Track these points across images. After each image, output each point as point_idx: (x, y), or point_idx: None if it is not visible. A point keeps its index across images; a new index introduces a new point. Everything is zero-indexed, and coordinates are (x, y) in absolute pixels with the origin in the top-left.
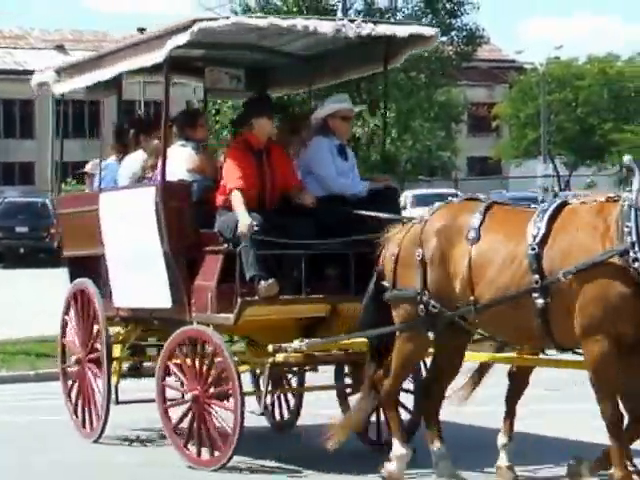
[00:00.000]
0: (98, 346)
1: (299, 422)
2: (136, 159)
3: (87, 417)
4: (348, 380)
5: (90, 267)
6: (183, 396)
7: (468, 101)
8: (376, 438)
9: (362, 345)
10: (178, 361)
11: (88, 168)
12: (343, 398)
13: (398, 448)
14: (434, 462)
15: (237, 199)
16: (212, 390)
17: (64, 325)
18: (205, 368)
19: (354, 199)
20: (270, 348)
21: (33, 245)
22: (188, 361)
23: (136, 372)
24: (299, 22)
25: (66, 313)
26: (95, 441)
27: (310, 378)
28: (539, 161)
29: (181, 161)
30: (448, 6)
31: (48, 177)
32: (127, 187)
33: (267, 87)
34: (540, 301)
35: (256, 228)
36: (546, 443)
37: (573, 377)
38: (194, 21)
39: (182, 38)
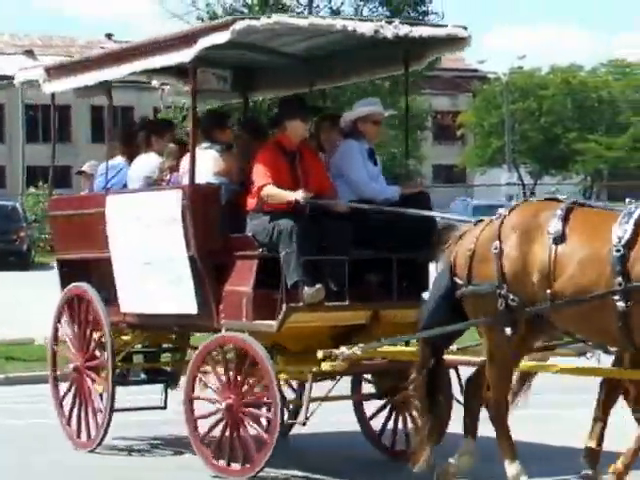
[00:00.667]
0: (97, 353)
1: (315, 430)
2: (149, 161)
3: (84, 426)
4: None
5: (88, 271)
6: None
7: (432, 109)
8: (390, 446)
9: (409, 354)
10: (208, 369)
11: (86, 168)
12: (359, 407)
13: (511, 469)
14: (458, 453)
15: (273, 189)
16: (248, 399)
17: (55, 331)
18: (241, 376)
19: (385, 204)
20: (320, 354)
21: (3, 248)
22: (220, 369)
23: (124, 380)
24: (338, 22)
25: (59, 318)
26: (91, 450)
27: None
28: (504, 170)
29: (207, 164)
30: (412, 15)
31: (19, 181)
32: (145, 189)
33: (258, 88)
34: (621, 304)
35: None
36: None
37: None
38: (234, 20)
39: (221, 37)
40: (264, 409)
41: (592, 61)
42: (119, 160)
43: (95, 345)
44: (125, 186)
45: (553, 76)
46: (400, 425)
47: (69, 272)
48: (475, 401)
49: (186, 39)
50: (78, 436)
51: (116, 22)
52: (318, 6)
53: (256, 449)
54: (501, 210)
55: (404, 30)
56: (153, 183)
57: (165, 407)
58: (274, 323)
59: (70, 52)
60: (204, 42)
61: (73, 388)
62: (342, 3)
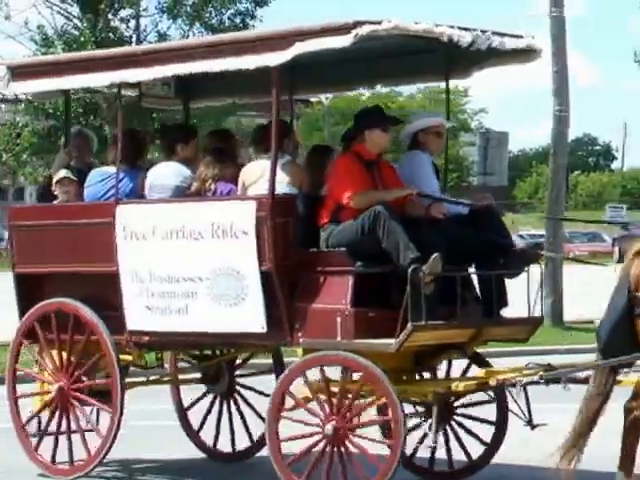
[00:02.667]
0: (85, 374)
1: None
2: (178, 170)
3: (66, 452)
4: None
5: (68, 286)
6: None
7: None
8: (428, 465)
9: None
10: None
11: (66, 174)
12: None
13: None
14: None
15: (368, 194)
16: (355, 421)
17: (17, 351)
18: (347, 397)
19: (455, 218)
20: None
21: None
22: (316, 390)
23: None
24: (445, 30)
25: (26, 336)
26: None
27: None
28: None
29: (279, 174)
30: None
31: None
32: (187, 200)
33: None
34: None
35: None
36: None
37: None
38: (356, 23)
39: (339, 41)
40: (374, 431)
41: (411, 88)
42: (110, 168)
43: (90, 365)
44: (132, 195)
45: (373, 101)
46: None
47: (35, 287)
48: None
49: (282, 41)
50: (53, 461)
51: None
52: (145, 30)
53: (368, 474)
54: None
55: (495, 42)
56: (188, 193)
57: None
58: (392, 342)
59: None
60: (314, 45)
61: (55, 411)
62: (168, 27)
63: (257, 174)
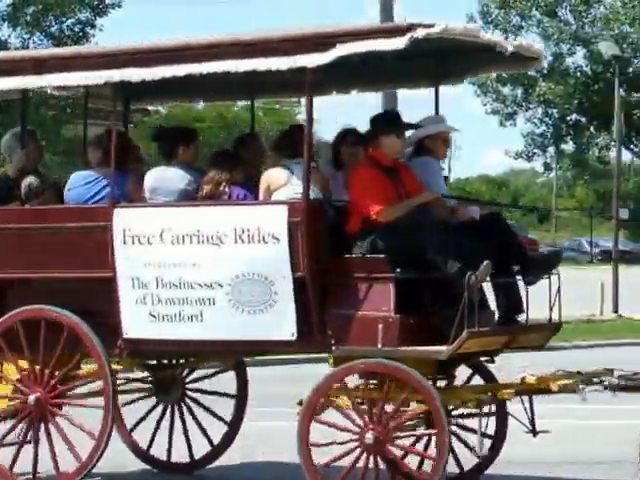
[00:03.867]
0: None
1: None
2: (181, 173)
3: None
4: None
5: (44, 293)
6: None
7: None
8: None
9: None
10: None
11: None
12: None
13: None
14: None
15: (396, 207)
16: (399, 433)
17: None
18: (390, 407)
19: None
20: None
21: None
22: (356, 399)
23: None
24: (493, 38)
25: None
26: None
27: None
28: None
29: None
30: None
31: None
32: (204, 204)
33: None
34: None
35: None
36: None
37: None
38: (410, 26)
39: (393, 44)
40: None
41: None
42: (93, 171)
43: (70, 375)
44: (122, 199)
45: (209, 110)
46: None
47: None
48: None
49: (322, 41)
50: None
51: None
52: None
53: None
54: None
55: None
56: (199, 197)
57: None
58: (444, 349)
59: None
60: (361, 46)
61: (24, 423)
62: (9, 35)
63: (284, 179)
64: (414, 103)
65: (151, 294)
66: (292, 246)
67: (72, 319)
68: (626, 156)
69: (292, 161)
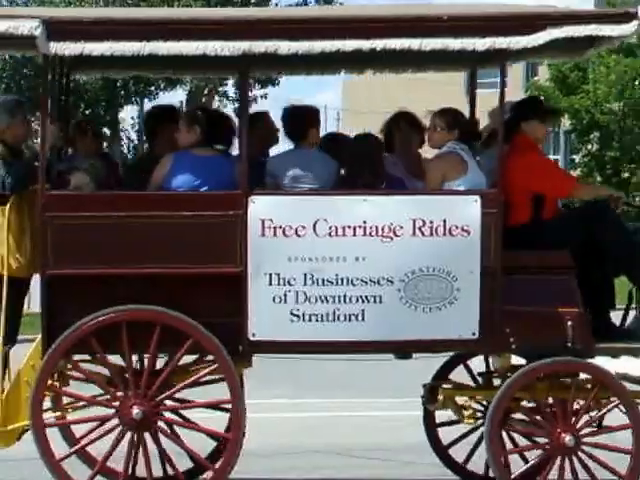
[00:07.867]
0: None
1: None
2: (325, 157)
3: None
4: None
5: (142, 292)
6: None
7: None
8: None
9: None
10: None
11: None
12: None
13: None
14: None
15: (588, 186)
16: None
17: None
18: (582, 407)
19: None
20: None
21: None
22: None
23: None
24: None
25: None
26: None
27: None
28: None
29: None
30: None
31: None
32: (377, 192)
33: None
34: None
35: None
36: None
37: None
38: (636, 12)
39: (621, 30)
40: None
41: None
42: (197, 151)
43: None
44: (229, 186)
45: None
46: None
47: (81, 294)
48: None
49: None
50: None
51: None
52: None
53: None
54: None
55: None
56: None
57: None
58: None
59: None
60: (576, 31)
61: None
62: None
63: (460, 168)
64: None
65: (296, 291)
66: (485, 240)
67: (192, 322)
68: None
69: (459, 145)
